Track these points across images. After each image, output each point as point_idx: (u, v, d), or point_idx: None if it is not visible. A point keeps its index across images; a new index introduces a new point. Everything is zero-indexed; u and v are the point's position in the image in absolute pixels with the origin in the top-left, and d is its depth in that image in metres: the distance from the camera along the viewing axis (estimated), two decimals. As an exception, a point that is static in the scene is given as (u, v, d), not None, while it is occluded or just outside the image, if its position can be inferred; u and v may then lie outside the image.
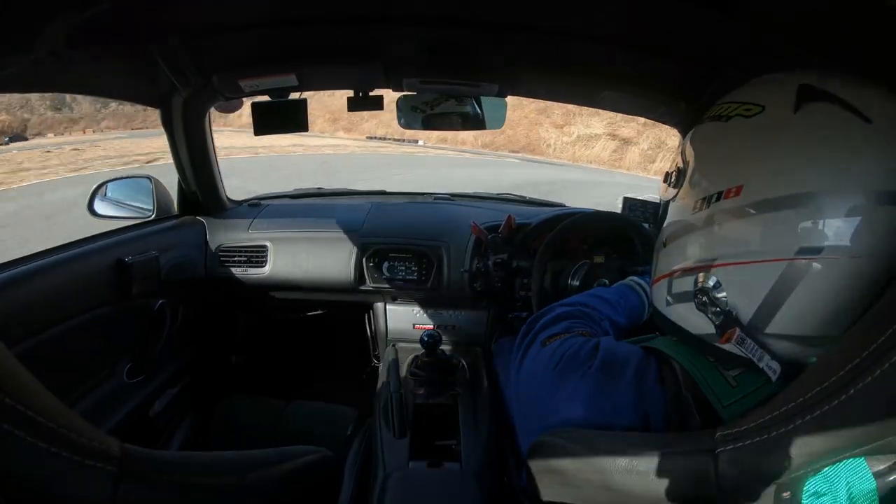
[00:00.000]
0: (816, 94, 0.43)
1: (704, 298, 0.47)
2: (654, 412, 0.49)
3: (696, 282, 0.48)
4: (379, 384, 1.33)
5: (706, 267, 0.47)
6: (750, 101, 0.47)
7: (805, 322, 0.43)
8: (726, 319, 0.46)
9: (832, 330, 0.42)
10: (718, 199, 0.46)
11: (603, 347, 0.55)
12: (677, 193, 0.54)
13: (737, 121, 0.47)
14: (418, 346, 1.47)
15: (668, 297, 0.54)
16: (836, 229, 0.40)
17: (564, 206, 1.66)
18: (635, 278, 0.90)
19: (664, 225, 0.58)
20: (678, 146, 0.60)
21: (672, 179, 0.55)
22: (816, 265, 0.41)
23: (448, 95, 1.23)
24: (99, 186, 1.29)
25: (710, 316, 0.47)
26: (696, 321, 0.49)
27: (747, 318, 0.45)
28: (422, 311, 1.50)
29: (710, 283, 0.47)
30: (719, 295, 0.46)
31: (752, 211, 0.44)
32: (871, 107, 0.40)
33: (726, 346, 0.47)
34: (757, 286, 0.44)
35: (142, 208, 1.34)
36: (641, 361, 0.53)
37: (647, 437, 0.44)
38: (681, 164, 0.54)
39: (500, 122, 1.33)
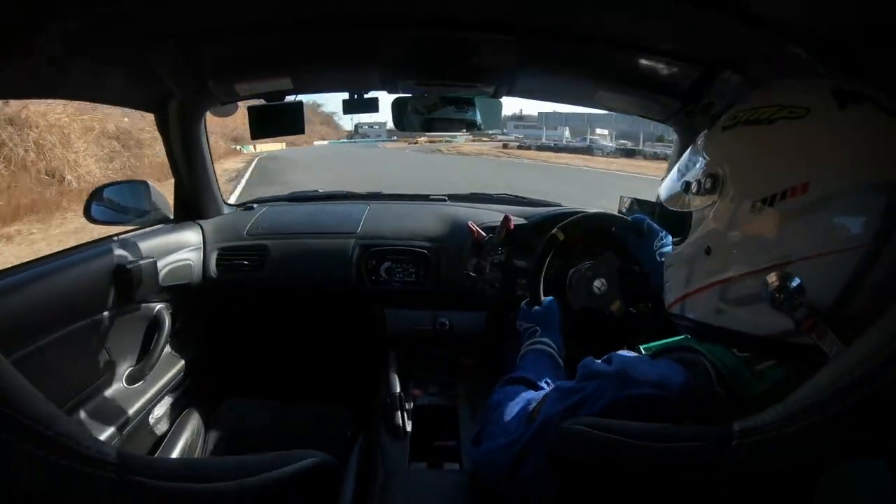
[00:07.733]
0: (855, 96, 0.47)
1: (782, 296, 0.48)
2: (684, 409, 0.49)
3: (766, 283, 0.49)
4: (378, 386, 1.33)
5: (778, 265, 0.49)
6: (790, 104, 0.50)
7: (877, 302, 0.44)
8: (809, 313, 0.47)
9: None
10: (783, 198, 0.48)
11: (617, 359, 0.57)
12: (715, 200, 0.55)
13: (783, 123, 0.50)
14: (417, 347, 1.47)
15: (721, 305, 0.54)
16: None
17: (561, 205, 1.66)
18: (534, 344, 0.91)
19: (698, 233, 0.58)
20: (691, 152, 0.61)
21: (705, 186, 0.55)
22: (891, 245, 0.44)
23: (446, 101, 1.28)
24: (95, 192, 1.28)
25: (790, 314, 0.48)
26: (765, 322, 0.50)
27: (827, 308, 0.47)
28: (420, 313, 1.50)
29: (788, 281, 0.48)
30: (799, 291, 0.47)
31: (824, 205, 0.46)
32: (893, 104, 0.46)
33: (805, 340, 0.47)
34: (837, 275, 0.46)
35: (139, 213, 1.34)
36: (667, 362, 0.54)
37: (663, 427, 0.45)
38: (717, 171, 0.54)
39: (496, 123, 1.34)
